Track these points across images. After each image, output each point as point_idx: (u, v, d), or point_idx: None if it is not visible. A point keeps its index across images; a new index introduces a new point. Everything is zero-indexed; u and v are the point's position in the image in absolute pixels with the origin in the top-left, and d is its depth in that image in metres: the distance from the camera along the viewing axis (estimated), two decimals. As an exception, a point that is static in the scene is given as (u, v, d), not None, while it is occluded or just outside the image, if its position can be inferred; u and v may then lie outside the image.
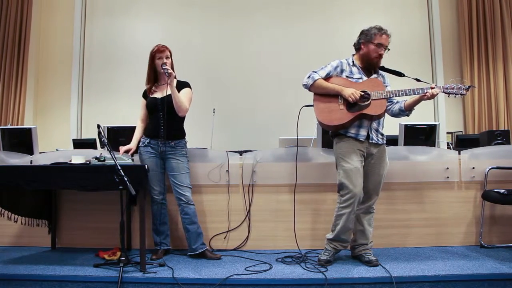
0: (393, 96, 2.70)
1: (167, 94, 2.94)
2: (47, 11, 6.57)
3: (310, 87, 2.78)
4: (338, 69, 2.81)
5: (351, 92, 2.66)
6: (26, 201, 3.12)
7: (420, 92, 2.65)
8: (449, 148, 4.49)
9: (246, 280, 2.44)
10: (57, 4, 6.57)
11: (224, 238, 3.18)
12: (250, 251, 3.11)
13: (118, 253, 2.78)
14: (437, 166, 3.21)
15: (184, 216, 2.92)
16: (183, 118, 3.02)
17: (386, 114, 2.83)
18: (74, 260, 2.84)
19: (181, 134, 3.02)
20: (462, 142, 4.45)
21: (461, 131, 5.96)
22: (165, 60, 2.92)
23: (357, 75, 2.77)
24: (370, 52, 2.74)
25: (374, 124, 2.74)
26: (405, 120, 3.78)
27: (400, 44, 6.12)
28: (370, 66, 2.78)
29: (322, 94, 2.77)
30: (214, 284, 2.39)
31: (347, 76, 2.78)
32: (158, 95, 2.99)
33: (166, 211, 3.03)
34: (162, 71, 2.90)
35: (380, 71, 2.85)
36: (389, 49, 2.78)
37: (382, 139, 2.79)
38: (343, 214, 2.69)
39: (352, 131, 2.72)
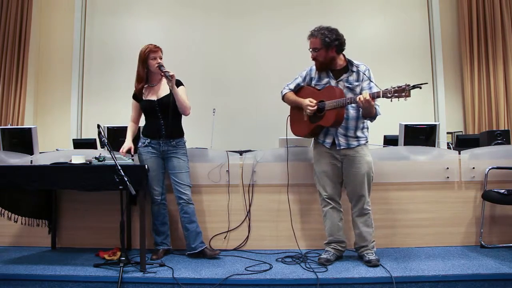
0: (342, 105, 2.61)
1: (164, 95, 2.93)
2: (47, 11, 6.57)
3: (283, 101, 2.99)
4: (307, 78, 2.87)
5: (306, 104, 2.72)
6: (26, 201, 3.12)
7: (357, 99, 2.52)
8: (449, 148, 4.49)
9: (246, 280, 2.44)
10: (57, 3, 6.57)
11: (224, 238, 3.18)
12: (250, 251, 3.11)
13: (118, 253, 2.78)
14: (437, 166, 3.21)
15: (183, 215, 2.92)
16: (181, 117, 3.02)
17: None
18: (74, 260, 2.84)
19: (181, 133, 3.03)
20: (462, 142, 4.44)
21: (461, 131, 5.96)
22: (159, 61, 2.89)
23: (325, 80, 2.78)
24: None
25: (341, 130, 2.73)
26: (405, 120, 3.79)
27: (400, 44, 6.14)
28: (320, 69, 2.78)
29: (293, 106, 2.93)
30: (214, 284, 2.39)
31: (315, 84, 2.81)
32: (152, 97, 2.95)
33: (166, 211, 3.03)
34: (161, 74, 2.85)
35: (356, 67, 2.74)
36: (310, 49, 2.75)
37: (358, 140, 2.75)
38: (326, 212, 2.84)
39: (321, 138, 2.82)
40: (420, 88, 2.43)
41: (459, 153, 3.28)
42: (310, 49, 2.75)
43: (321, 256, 2.75)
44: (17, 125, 5.94)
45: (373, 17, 6.25)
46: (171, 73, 2.82)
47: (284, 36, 6.31)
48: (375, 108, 2.65)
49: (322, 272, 2.52)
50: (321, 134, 2.81)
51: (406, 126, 3.66)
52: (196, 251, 2.89)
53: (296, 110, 2.90)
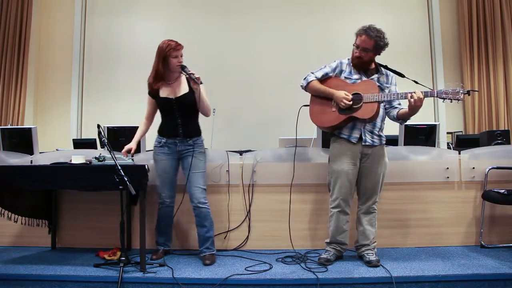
0: (384, 100, 2.66)
1: (182, 94, 2.85)
2: (47, 11, 6.57)
3: (305, 89, 2.85)
4: (337, 70, 2.81)
5: (342, 97, 2.65)
6: (26, 201, 3.12)
7: (408, 96, 2.54)
8: (449, 148, 4.49)
9: (246, 280, 2.44)
10: (57, 4, 6.58)
11: (224, 238, 3.18)
12: (250, 251, 3.11)
13: (118, 253, 2.78)
14: (437, 166, 3.21)
15: (195, 217, 2.88)
16: (198, 115, 2.93)
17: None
18: (74, 260, 2.84)
19: (199, 131, 2.95)
20: (462, 142, 4.45)
21: (461, 131, 5.96)
22: (181, 60, 2.82)
23: (355, 76, 2.76)
24: (352, 53, 2.76)
25: (368, 126, 2.72)
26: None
27: (400, 44, 6.12)
28: (357, 67, 2.76)
29: (317, 95, 2.81)
30: (214, 284, 2.39)
31: (345, 77, 2.77)
32: (169, 94, 2.86)
33: (172, 213, 2.99)
34: (190, 78, 2.77)
35: (385, 70, 2.80)
36: (355, 45, 2.71)
37: (380, 140, 2.76)
38: (333, 214, 2.77)
39: (345, 132, 2.74)
40: (469, 94, 2.51)
41: (459, 153, 3.28)
42: (356, 46, 2.69)
43: (321, 256, 2.75)
44: (17, 125, 5.94)
45: (373, 17, 6.18)
46: (197, 75, 2.75)
47: (284, 36, 6.32)
48: None
49: (322, 272, 2.52)
50: (345, 129, 2.73)
51: (406, 126, 3.66)
52: (201, 255, 2.87)
53: (321, 99, 2.79)
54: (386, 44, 2.69)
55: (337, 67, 2.81)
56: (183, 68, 2.81)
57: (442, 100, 2.53)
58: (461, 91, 2.46)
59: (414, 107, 2.55)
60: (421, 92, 2.52)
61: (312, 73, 2.83)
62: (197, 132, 2.93)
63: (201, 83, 2.82)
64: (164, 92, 2.87)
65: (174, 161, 2.91)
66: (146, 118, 3.02)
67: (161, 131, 2.93)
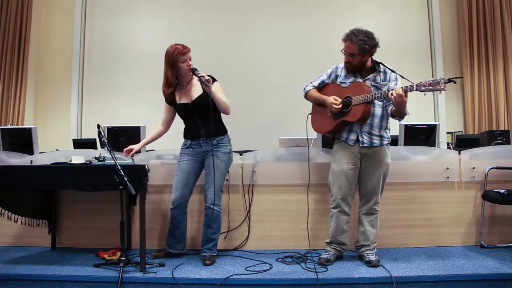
0: (370, 100, 2.63)
1: (197, 96, 2.83)
2: (47, 11, 6.57)
3: (305, 98, 2.97)
4: (333, 76, 2.85)
5: (331, 102, 2.71)
6: (26, 201, 3.12)
7: (389, 94, 2.51)
8: (449, 148, 4.49)
9: (246, 280, 2.44)
10: (57, 4, 6.57)
11: (224, 238, 3.18)
12: (250, 251, 3.11)
13: (118, 253, 2.78)
14: (437, 166, 3.21)
15: (204, 216, 2.87)
16: (220, 114, 2.90)
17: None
18: (74, 260, 2.84)
19: (223, 130, 2.92)
20: (462, 142, 4.44)
21: (461, 131, 5.96)
22: (190, 63, 2.79)
23: (350, 79, 2.77)
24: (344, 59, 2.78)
25: (366, 127, 2.72)
26: (405, 120, 3.79)
27: (400, 44, 6.14)
28: (350, 70, 2.77)
29: (315, 103, 2.91)
30: (214, 284, 2.39)
31: (340, 82, 2.80)
32: (185, 100, 2.85)
33: (183, 217, 2.91)
34: (199, 80, 2.74)
35: (383, 68, 2.78)
36: (343, 51, 2.71)
37: (381, 140, 2.75)
38: (333, 214, 2.80)
39: (344, 135, 2.78)
40: (455, 82, 2.45)
41: (459, 153, 3.28)
42: (344, 52, 2.71)
43: (321, 256, 2.75)
44: (17, 125, 5.94)
45: (373, 17, 6.25)
46: (206, 77, 2.72)
47: (284, 36, 6.31)
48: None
49: (322, 272, 2.52)
50: (344, 132, 2.77)
51: (406, 126, 3.66)
52: (201, 254, 2.86)
53: (319, 107, 2.87)
54: (374, 46, 2.67)
55: (332, 73, 2.86)
56: (193, 71, 2.79)
57: (424, 93, 2.47)
58: (441, 81, 2.39)
59: (396, 104, 2.53)
60: (401, 87, 2.51)
61: (311, 82, 2.93)
62: (220, 131, 2.89)
63: (215, 80, 2.83)
64: (180, 98, 2.87)
65: (195, 162, 2.89)
66: (161, 124, 3.01)
67: (185, 134, 2.95)
